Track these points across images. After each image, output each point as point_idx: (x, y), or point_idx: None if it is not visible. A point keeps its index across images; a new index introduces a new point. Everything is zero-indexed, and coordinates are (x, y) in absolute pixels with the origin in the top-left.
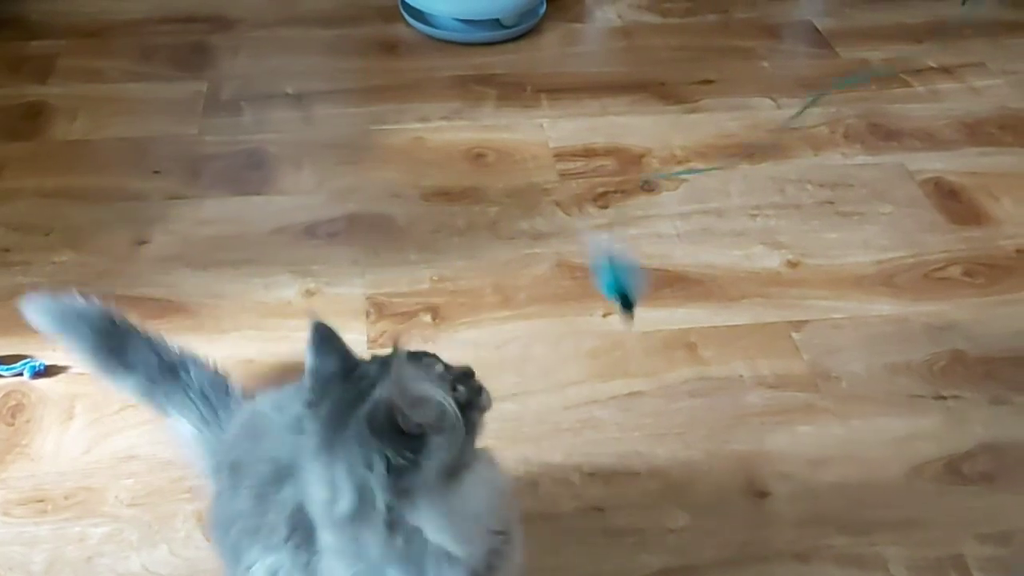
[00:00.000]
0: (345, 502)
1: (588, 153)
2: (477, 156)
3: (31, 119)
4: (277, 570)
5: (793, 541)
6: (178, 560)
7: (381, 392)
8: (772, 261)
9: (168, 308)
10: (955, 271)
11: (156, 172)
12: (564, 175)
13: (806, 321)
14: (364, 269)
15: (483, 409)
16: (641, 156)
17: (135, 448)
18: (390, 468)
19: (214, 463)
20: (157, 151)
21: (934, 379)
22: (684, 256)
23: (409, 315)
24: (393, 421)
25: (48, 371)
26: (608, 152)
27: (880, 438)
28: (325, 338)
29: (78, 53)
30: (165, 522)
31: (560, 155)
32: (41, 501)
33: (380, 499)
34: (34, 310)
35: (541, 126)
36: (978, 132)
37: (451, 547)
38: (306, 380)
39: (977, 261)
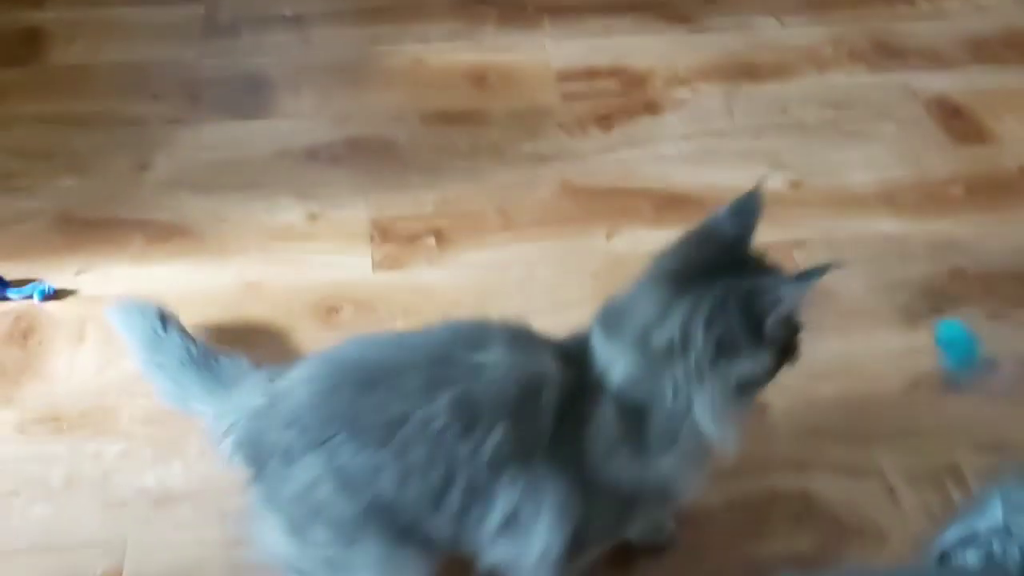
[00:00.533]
0: (664, 334)
1: (591, 74)
2: (478, 78)
3: (28, 44)
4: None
5: (792, 452)
6: (192, 475)
7: (778, 287)
8: (775, 181)
9: (173, 232)
10: (957, 189)
11: (155, 96)
12: (567, 96)
13: (808, 240)
14: (367, 192)
15: (794, 361)
16: (645, 77)
17: None
18: (720, 340)
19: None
20: (156, 75)
21: (934, 295)
22: (687, 177)
23: (413, 238)
24: (763, 312)
25: (57, 294)
26: (611, 73)
27: (879, 352)
28: (747, 209)
29: None
30: (179, 439)
31: (563, 76)
32: (57, 420)
33: (695, 353)
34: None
35: (543, 47)
36: (983, 50)
37: (712, 433)
38: (706, 224)
39: (979, 179)
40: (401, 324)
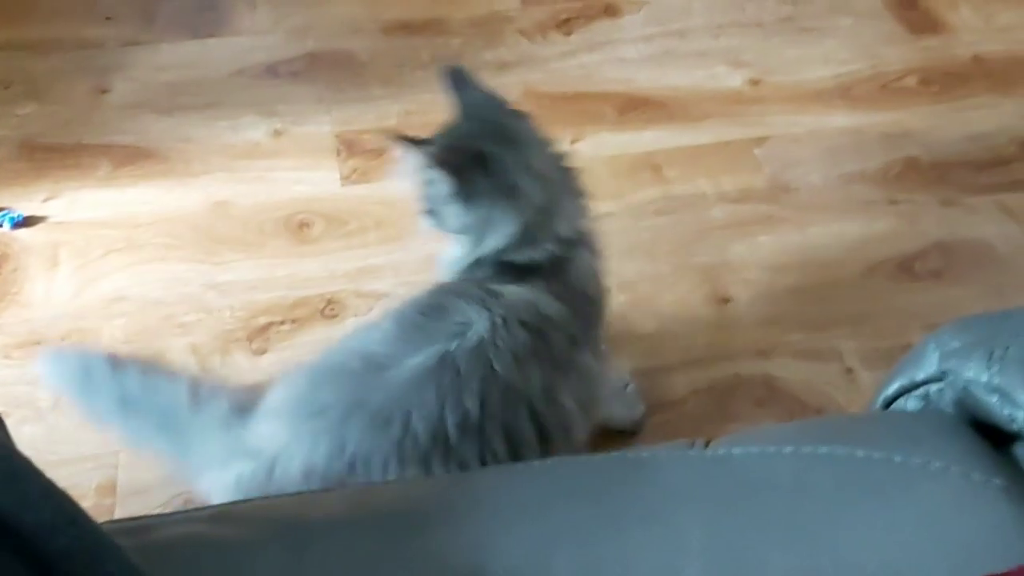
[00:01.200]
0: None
1: None
2: None
3: None
4: None
5: (754, 340)
6: None
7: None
8: (734, 80)
9: (137, 154)
10: (911, 81)
11: (108, 19)
12: (526, 2)
13: (767, 137)
14: (330, 107)
15: None
16: None
17: (123, 290)
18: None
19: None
20: None
21: (888, 185)
22: (648, 79)
23: (380, 151)
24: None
25: (27, 221)
26: None
27: (837, 243)
28: (461, 77)
29: None
30: (160, 356)
31: None
32: (38, 343)
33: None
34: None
35: None
36: None
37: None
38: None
39: (933, 69)
40: (373, 236)
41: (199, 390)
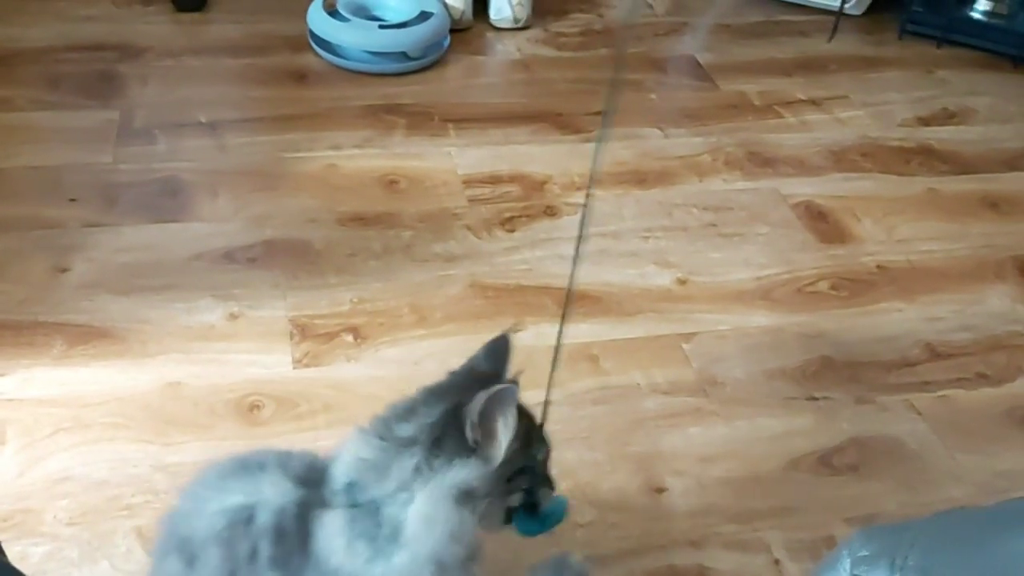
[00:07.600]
0: (406, 428)
1: (494, 180)
2: (390, 183)
3: None
4: None
5: (687, 530)
6: (120, 574)
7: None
8: (663, 279)
9: (93, 334)
10: (824, 285)
11: (72, 200)
12: (473, 200)
13: (694, 333)
14: (285, 292)
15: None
16: (543, 183)
17: (69, 470)
18: (437, 440)
19: None
20: (71, 180)
21: (806, 382)
22: (585, 275)
23: (331, 336)
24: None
25: None
26: (513, 179)
27: (761, 436)
28: (498, 351)
29: None
30: (105, 539)
31: (468, 182)
32: None
33: (420, 448)
34: None
35: (449, 154)
36: (843, 159)
37: (421, 535)
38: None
39: (842, 276)
40: (322, 419)
41: None
